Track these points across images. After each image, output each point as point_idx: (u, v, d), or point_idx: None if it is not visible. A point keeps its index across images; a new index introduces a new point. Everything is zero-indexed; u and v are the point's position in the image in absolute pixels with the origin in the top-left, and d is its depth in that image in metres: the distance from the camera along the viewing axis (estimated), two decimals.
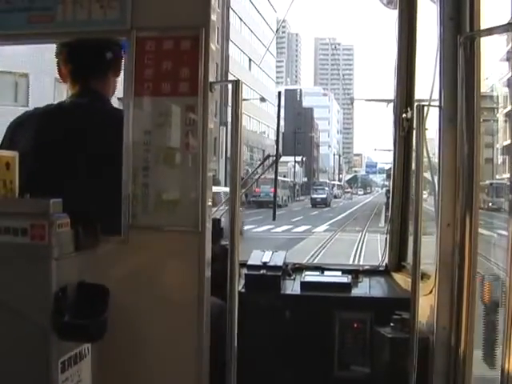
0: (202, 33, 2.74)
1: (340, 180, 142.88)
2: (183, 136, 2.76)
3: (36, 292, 2.07)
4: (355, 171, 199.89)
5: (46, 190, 2.20)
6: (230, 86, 2.78)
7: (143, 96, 2.80)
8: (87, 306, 2.16)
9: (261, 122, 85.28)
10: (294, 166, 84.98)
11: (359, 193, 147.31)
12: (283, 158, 73.82)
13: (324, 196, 72.55)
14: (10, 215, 2.10)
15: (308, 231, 35.10)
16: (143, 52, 2.80)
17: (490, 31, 3.08)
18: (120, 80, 3.28)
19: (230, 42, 66.67)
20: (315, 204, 67.76)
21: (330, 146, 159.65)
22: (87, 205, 2.64)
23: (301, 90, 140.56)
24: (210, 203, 2.79)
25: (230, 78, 54.59)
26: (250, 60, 78.86)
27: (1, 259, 2.09)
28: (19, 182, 2.42)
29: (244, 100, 2.85)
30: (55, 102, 3.41)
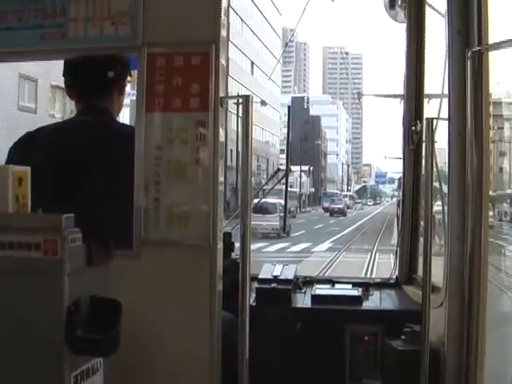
0: (212, 48, 2.76)
1: (349, 190, 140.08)
2: (194, 151, 2.77)
3: (48, 306, 2.08)
4: (364, 181, 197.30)
5: (56, 206, 2.22)
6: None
7: (154, 112, 2.82)
8: (100, 321, 2.17)
9: (264, 129, 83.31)
10: (300, 176, 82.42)
11: (369, 203, 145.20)
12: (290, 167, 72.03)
13: (341, 206, 78.67)
14: (23, 230, 2.11)
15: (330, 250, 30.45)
16: (154, 68, 2.82)
17: (498, 45, 3.10)
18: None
19: (229, 44, 62.96)
20: (332, 213, 73.87)
21: (338, 155, 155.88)
22: (98, 220, 2.66)
23: (308, 98, 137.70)
24: (221, 217, 2.80)
25: (229, 81, 54.25)
26: (252, 63, 77.83)
27: (14, 274, 2.10)
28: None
29: None
30: (60, 120, 3.44)
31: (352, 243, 34.90)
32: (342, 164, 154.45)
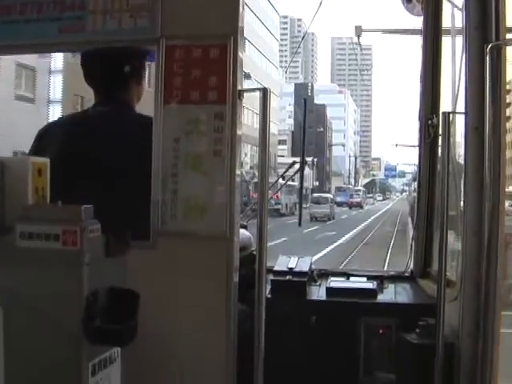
0: (230, 41, 2.77)
1: (356, 184, 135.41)
2: (212, 143, 2.78)
3: (67, 296, 2.10)
4: (373, 175, 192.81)
5: (74, 197, 2.23)
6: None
7: (172, 104, 2.83)
8: (117, 311, 2.19)
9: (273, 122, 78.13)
10: (301, 168, 75.43)
11: (378, 198, 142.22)
12: (287, 159, 64.05)
13: (359, 200, 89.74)
14: (42, 221, 2.13)
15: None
16: (172, 60, 2.83)
17: None
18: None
19: None
20: (351, 206, 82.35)
21: (344, 146, 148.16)
22: (116, 211, 2.68)
23: (312, 85, 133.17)
24: (238, 210, 2.81)
25: None
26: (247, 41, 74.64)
27: (33, 264, 2.12)
28: None
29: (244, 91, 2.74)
30: (79, 111, 3.44)
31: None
32: (350, 156, 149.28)
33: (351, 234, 39.23)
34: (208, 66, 2.80)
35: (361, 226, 45.91)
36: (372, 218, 53.70)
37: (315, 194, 62.49)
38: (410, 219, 32.46)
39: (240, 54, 2.81)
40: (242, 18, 2.83)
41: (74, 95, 26.13)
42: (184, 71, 2.83)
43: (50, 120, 3.44)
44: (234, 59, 2.77)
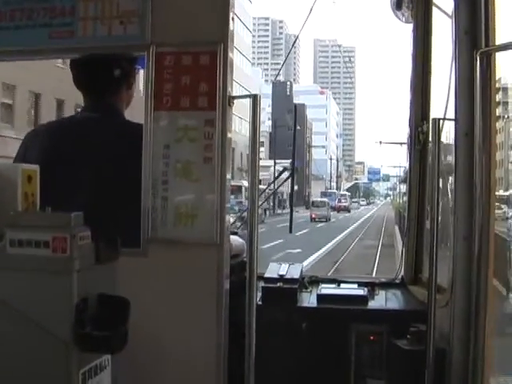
0: (220, 48, 2.77)
1: (338, 189, 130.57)
2: (202, 150, 2.79)
3: (57, 303, 2.09)
4: (356, 178, 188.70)
5: (61, 204, 2.22)
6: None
7: (162, 110, 2.83)
8: (108, 318, 2.18)
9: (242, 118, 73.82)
10: (274, 171, 64.72)
11: (361, 203, 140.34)
12: (264, 162, 67.14)
13: (346, 204, 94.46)
14: (32, 228, 2.12)
15: None
16: (162, 67, 2.84)
17: (506, 47, 3.10)
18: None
19: None
20: (339, 210, 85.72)
21: (323, 147, 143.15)
22: (106, 218, 2.67)
23: (291, 83, 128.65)
24: (228, 216, 2.81)
25: None
26: None
27: (22, 271, 2.11)
28: None
29: None
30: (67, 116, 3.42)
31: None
32: (331, 159, 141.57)
33: (323, 250, 31.48)
34: (198, 73, 2.81)
35: (338, 238, 39.35)
36: (352, 226, 52.09)
37: (315, 199, 74.44)
38: (397, 229, 30.69)
39: (230, 60, 2.81)
40: (231, 25, 2.83)
41: None
42: (174, 78, 2.83)
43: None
44: (223, 66, 2.78)
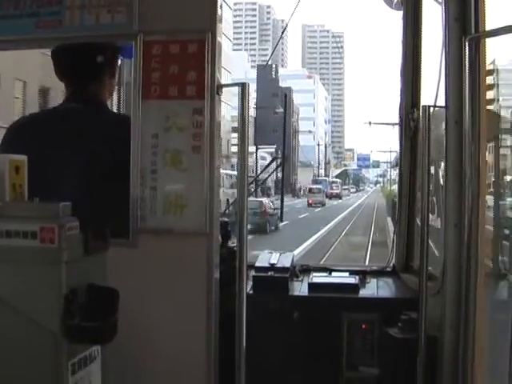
0: (208, 36, 2.76)
1: (327, 175, 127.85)
2: (191, 139, 2.77)
3: (46, 295, 2.08)
4: (345, 165, 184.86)
5: (49, 195, 2.21)
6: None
7: (150, 99, 2.82)
8: (97, 309, 2.17)
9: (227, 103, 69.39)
10: (256, 158, 62.64)
11: (351, 190, 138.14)
12: (251, 148, 60.42)
13: (338, 191, 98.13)
14: (20, 218, 2.11)
15: None
16: (150, 56, 2.82)
17: (495, 32, 3.09)
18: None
19: None
20: (331, 197, 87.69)
21: (310, 132, 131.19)
22: (95, 209, 2.65)
23: (276, 66, 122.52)
24: (218, 205, 2.80)
25: None
26: None
27: (10, 262, 2.10)
28: None
29: None
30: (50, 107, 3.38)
31: None
32: (318, 145, 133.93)
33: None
34: (186, 61, 2.79)
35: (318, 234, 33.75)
36: (339, 217, 51.16)
37: (311, 186, 79.01)
38: (389, 220, 29.23)
39: (218, 48, 2.80)
40: (219, 13, 2.82)
41: None
42: (162, 66, 2.82)
43: None
44: (212, 54, 2.77)
